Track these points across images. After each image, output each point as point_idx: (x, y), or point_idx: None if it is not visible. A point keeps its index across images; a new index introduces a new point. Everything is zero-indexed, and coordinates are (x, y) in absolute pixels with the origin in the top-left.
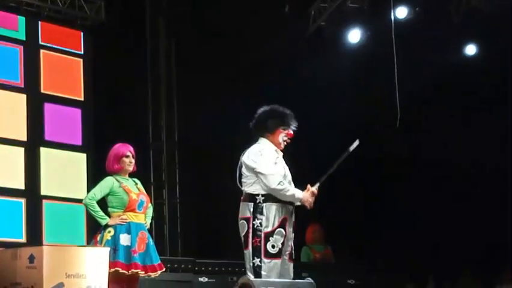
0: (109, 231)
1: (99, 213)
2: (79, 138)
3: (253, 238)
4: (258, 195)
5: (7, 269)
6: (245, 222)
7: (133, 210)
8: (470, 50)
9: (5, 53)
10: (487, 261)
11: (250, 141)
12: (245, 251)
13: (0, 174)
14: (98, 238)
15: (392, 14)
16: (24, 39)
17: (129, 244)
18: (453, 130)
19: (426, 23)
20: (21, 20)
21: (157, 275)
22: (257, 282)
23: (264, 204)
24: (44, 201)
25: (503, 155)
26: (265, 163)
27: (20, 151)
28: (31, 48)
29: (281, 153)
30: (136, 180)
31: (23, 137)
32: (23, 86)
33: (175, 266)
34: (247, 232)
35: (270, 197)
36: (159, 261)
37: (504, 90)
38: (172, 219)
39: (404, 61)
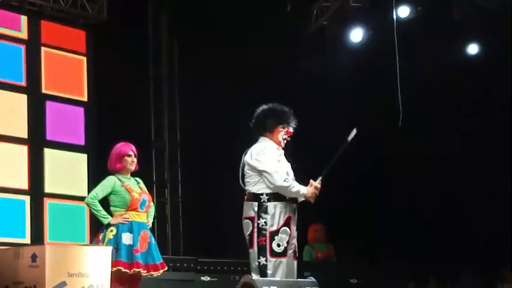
0: (111, 230)
1: (101, 212)
2: (81, 137)
3: (258, 237)
4: (262, 194)
5: (9, 267)
6: (250, 221)
7: (135, 210)
8: (472, 49)
9: (8, 52)
10: (487, 260)
11: (253, 140)
12: (250, 251)
13: (3, 173)
14: (101, 237)
15: (394, 13)
16: (26, 38)
17: (131, 243)
18: (454, 129)
19: (428, 22)
20: (23, 19)
21: (159, 274)
22: (259, 281)
23: (269, 204)
24: (47, 201)
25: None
26: (268, 161)
27: (23, 150)
28: (33, 48)
29: (282, 151)
30: (138, 179)
31: (25, 135)
32: (25, 85)
33: (178, 265)
34: (252, 231)
35: (274, 196)
36: (161, 260)
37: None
38: (174, 218)
39: (406, 60)
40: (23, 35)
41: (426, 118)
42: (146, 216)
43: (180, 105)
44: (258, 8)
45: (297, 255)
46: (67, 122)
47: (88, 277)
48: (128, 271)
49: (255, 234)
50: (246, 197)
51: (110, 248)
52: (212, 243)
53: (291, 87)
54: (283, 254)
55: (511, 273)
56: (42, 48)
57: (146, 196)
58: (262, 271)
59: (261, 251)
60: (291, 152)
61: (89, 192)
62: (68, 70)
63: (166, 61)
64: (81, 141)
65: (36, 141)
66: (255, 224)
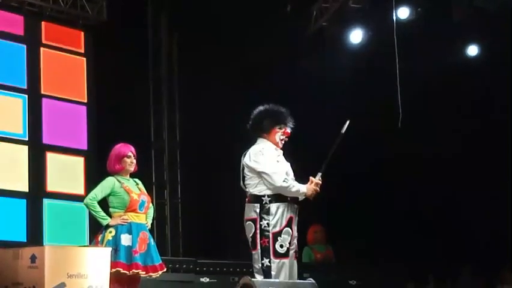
0: (110, 232)
1: (100, 213)
2: (80, 137)
3: (261, 239)
4: (263, 196)
5: (9, 268)
6: (252, 223)
7: (134, 211)
8: (472, 50)
9: (9, 52)
10: (487, 261)
11: (252, 141)
12: (253, 252)
13: (3, 174)
14: (100, 238)
15: (394, 14)
16: (26, 39)
17: (130, 244)
18: (454, 130)
19: (428, 24)
20: (23, 20)
21: (158, 275)
22: (258, 283)
23: (271, 205)
24: (46, 201)
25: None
26: (267, 162)
27: (23, 150)
28: (33, 48)
29: (281, 152)
30: (137, 180)
31: (25, 136)
32: (25, 87)
33: (177, 266)
34: (255, 233)
35: (276, 197)
36: (160, 262)
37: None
38: (173, 220)
39: (406, 61)
40: (23, 35)
41: (426, 119)
42: (145, 217)
43: (180, 106)
44: (258, 9)
45: (297, 255)
46: (67, 123)
47: (87, 278)
48: (127, 272)
49: (258, 236)
50: (247, 199)
51: (110, 249)
52: (211, 245)
53: (291, 88)
54: (286, 254)
55: (511, 274)
56: (42, 49)
57: (145, 197)
58: (266, 272)
59: (265, 253)
60: (291, 152)
61: (88, 193)
62: (67, 70)
63: (165, 62)
64: (81, 142)
65: (36, 142)
66: (258, 226)
